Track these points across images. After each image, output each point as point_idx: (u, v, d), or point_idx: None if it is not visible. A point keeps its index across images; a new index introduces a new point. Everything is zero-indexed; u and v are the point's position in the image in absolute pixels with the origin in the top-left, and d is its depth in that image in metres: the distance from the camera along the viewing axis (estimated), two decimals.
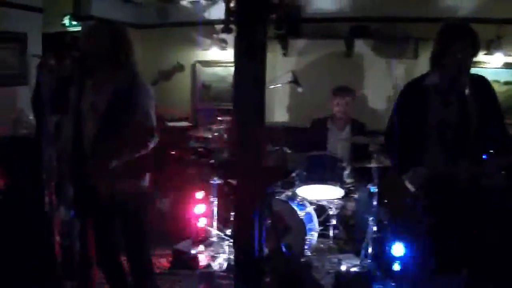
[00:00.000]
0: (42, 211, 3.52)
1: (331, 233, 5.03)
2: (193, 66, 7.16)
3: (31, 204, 3.92)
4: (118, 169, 3.15)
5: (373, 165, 4.54)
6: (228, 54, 6.80)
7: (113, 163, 3.12)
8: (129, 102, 3.18)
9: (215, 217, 5.28)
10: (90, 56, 3.21)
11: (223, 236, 5.16)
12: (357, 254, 4.80)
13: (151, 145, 3.31)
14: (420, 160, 3.41)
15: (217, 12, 6.74)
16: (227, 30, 6.26)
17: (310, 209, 5.06)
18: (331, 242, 5.04)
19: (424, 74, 3.50)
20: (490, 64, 5.80)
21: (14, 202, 4.37)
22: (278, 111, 6.73)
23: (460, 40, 3.23)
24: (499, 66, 5.83)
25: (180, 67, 4.05)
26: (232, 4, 6.28)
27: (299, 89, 5.72)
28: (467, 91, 3.24)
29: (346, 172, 5.14)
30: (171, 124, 6.38)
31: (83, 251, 3.40)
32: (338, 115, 5.70)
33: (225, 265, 4.73)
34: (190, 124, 6.44)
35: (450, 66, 3.28)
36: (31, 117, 5.11)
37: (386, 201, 4.69)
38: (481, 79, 3.42)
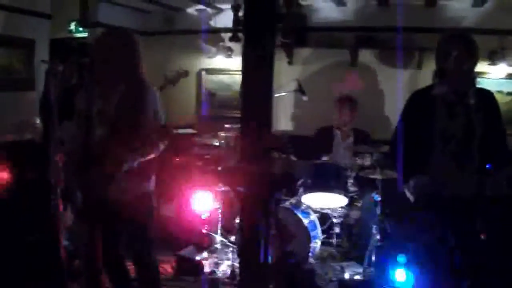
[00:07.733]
0: (48, 215, 3.55)
1: (334, 241, 5.05)
2: (199, 74, 7.19)
3: (37, 208, 3.95)
4: (124, 172, 3.16)
5: (376, 176, 4.58)
6: (233, 62, 6.79)
7: (124, 167, 3.12)
8: (137, 105, 3.20)
9: (219, 224, 5.31)
10: (102, 62, 3.23)
11: (227, 243, 5.18)
12: (360, 262, 4.82)
13: (162, 145, 3.33)
14: (423, 171, 3.42)
15: (223, 20, 6.78)
16: (235, 38, 6.34)
17: (314, 217, 5.07)
18: (334, 250, 5.05)
19: (431, 84, 3.49)
20: (493, 75, 5.83)
21: (20, 206, 4.40)
22: (283, 120, 6.75)
23: (458, 49, 3.25)
24: (503, 77, 5.85)
25: (184, 73, 4.11)
26: (240, 14, 6.33)
27: (304, 98, 5.72)
28: (472, 102, 3.26)
29: (350, 180, 5.17)
30: (176, 131, 6.40)
31: (90, 256, 3.41)
32: (342, 124, 5.74)
33: (228, 271, 4.75)
34: (195, 131, 6.46)
35: (451, 76, 3.30)
36: (38, 122, 5.15)
37: (388, 211, 4.74)
38: (487, 93, 3.44)
